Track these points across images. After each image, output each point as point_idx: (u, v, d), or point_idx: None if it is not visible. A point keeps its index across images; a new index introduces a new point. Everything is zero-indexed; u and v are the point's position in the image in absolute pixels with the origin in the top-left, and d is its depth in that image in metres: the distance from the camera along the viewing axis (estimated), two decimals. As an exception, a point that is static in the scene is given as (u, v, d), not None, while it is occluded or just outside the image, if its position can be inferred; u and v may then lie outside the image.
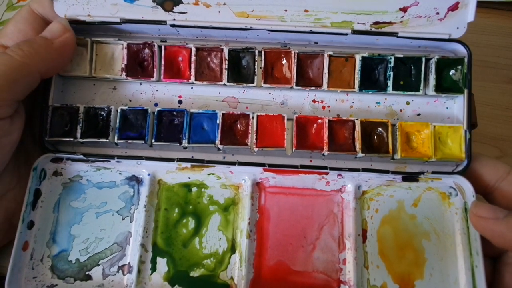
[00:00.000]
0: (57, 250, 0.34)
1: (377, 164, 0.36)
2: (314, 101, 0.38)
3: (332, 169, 0.35)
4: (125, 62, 0.36)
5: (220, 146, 0.35)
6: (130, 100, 0.38)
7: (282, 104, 0.38)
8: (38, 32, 0.35)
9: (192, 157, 0.36)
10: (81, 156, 0.35)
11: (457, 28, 0.35)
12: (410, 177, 0.36)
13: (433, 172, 0.35)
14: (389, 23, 0.36)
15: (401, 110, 0.38)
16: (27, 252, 0.34)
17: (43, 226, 0.35)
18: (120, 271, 0.34)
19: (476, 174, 0.35)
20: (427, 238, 0.35)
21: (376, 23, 0.36)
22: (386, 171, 0.35)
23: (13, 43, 0.34)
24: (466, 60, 0.35)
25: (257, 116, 0.36)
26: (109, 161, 0.36)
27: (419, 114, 0.38)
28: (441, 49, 0.37)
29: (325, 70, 0.36)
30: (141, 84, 0.38)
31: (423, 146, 0.35)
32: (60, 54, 0.34)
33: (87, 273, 0.34)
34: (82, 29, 0.37)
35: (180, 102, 0.38)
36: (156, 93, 0.38)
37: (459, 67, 0.36)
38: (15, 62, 0.31)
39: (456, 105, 0.37)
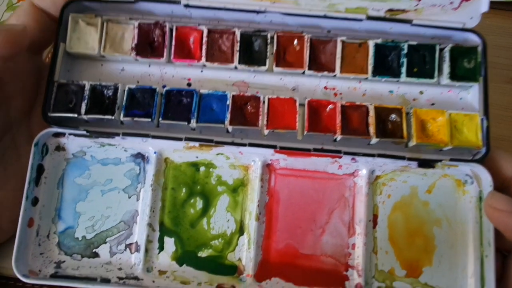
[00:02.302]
0: (63, 226, 0.37)
1: (390, 153, 0.38)
2: (325, 88, 0.40)
3: (346, 153, 0.37)
4: (135, 41, 0.38)
5: (230, 127, 0.37)
6: (138, 81, 0.39)
7: (293, 89, 0.40)
8: (41, 24, 0.37)
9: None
10: (84, 132, 0.37)
11: (471, 18, 0.38)
12: (426, 163, 0.38)
13: (451, 160, 0.37)
14: (403, 10, 0.38)
15: (414, 100, 0.40)
16: (33, 228, 0.36)
17: (47, 202, 0.37)
18: (128, 249, 0.37)
19: (493, 167, 0.37)
20: (438, 226, 0.38)
21: (391, 10, 0.38)
22: (403, 157, 0.37)
23: None
24: (479, 49, 0.38)
25: (268, 98, 0.37)
26: (114, 137, 0.37)
27: (433, 104, 0.40)
28: (452, 40, 0.39)
29: (338, 55, 0.38)
30: (149, 65, 0.39)
31: (439, 133, 0.37)
32: None
33: (94, 250, 0.36)
34: (94, 8, 0.38)
35: (189, 85, 0.39)
36: (165, 75, 0.39)
37: (473, 56, 0.38)
38: None
39: (470, 96, 0.40)
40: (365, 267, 0.37)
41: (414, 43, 0.39)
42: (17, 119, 0.38)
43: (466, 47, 0.39)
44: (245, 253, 0.37)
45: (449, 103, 0.40)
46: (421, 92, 0.40)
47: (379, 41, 0.39)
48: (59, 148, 0.39)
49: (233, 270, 0.37)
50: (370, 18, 0.38)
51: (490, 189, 0.37)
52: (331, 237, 0.38)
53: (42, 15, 0.37)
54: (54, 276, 0.36)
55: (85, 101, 0.37)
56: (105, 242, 0.37)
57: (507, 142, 0.42)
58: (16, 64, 0.37)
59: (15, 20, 0.37)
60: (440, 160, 0.38)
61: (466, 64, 0.39)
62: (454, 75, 0.38)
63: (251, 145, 0.38)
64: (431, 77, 0.38)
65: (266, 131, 0.37)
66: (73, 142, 0.38)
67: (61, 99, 0.37)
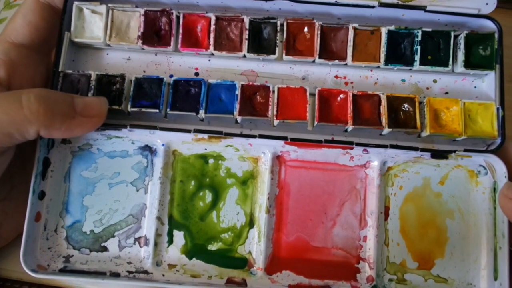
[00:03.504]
0: (71, 220, 0.37)
1: (403, 143, 0.38)
2: (336, 76, 0.39)
3: (358, 144, 0.37)
4: (141, 30, 0.37)
5: (239, 118, 0.36)
6: (144, 71, 0.39)
7: (303, 79, 0.39)
8: (48, 21, 0.36)
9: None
10: None
11: (486, 4, 0.37)
12: (439, 154, 0.37)
13: (465, 150, 0.37)
14: None
15: (427, 88, 0.39)
16: (40, 223, 0.36)
17: (55, 196, 0.37)
18: (137, 243, 0.36)
19: (507, 158, 0.37)
20: (451, 217, 0.37)
21: None
22: (416, 148, 0.37)
23: (24, 37, 0.35)
24: (496, 35, 0.37)
25: (278, 88, 0.37)
26: (121, 129, 0.37)
27: (446, 93, 0.39)
28: (467, 27, 0.39)
29: (350, 43, 0.37)
30: (156, 55, 0.39)
31: (453, 123, 0.37)
32: (70, 131, 0.33)
33: (102, 244, 0.36)
34: None
35: (196, 74, 0.39)
36: (172, 64, 0.39)
37: (488, 43, 0.37)
38: (19, 116, 0.30)
39: (485, 84, 0.39)
40: (377, 260, 0.37)
41: (428, 29, 0.38)
42: (10, 154, 0.36)
43: (482, 34, 0.38)
44: (255, 246, 0.37)
45: (463, 92, 0.40)
46: (435, 81, 0.40)
47: (392, 28, 0.38)
48: (65, 140, 0.38)
49: (243, 263, 0.37)
50: (382, 4, 0.38)
51: (505, 180, 0.36)
52: (342, 230, 0.38)
53: (48, 11, 0.37)
54: (63, 270, 0.36)
55: (91, 91, 0.36)
56: (114, 236, 0.37)
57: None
58: (27, 69, 0.36)
59: (20, 19, 0.36)
60: (454, 151, 0.38)
61: (481, 52, 0.38)
62: (469, 63, 0.38)
63: (261, 136, 0.37)
64: (446, 65, 0.38)
65: (276, 122, 0.37)
66: (79, 135, 0.38)
67: (67, 90, 0.37)
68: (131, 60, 0.39)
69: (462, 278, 0.37)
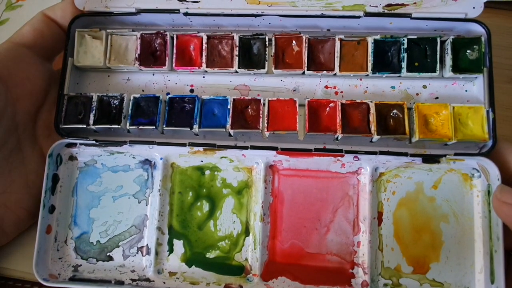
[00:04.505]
0: (79, 232, 0.39)
1: (394, 149, 0.39)
2: (326, 87, 0.41)
3: (348, 152, 0.38)
4: (138, 52, 0.40)
5: (231, 131, 0.38)
6: (143, 90, 0.41)
7: (294, 90, 0.41)
8: (53, 32, 0.40)
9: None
10: (93, 141, 0.39)
11: (473, 7, 0.38)
12: (431, 159, 0.38)
13: (456, 154, 0.38)
14: (402, 5, 0.38)
15: (417, 94, 0.40)
16: (51, 235, 0.39)
17: (64, 209, 0.40)
18: (139, 252, 0.39)
19: (500, 160, 0.37)
20: (445, 221, 0.38)
21: (389, 5, 0.38)
22: (405, 154, 0.37)
23: (28, 39, 0.39)
24: (483, 39, 0.38)
25: (268, 100, 0.38)
26: (122, 145, 0.39)
27: (437, 98, 0.40)
28: (455, 32, 0.39)
29: (337, 54, 0.39)
30: (153, 74, 0.42)
31: (443, 127, 0.37)
32: None
33: (108, 254, 0.39)
34: (99, 22, 0.41)
35: (191, 91, 0.41)
36: (168, 83, 0.42)
37: (476, 46, 0.38)
38: None
39: (476, 88, 0.39)
40: (371, 265, 0.37)
41: (413, 37, 0.39)
42: (23, 121, 0.40)
43: (469, 38, 0.38)
44: (251, 253, 0.39)
45: (454, 96, 0.40)
46: (425, 86, 0.41)
47: (378, 37, 0.39)
48: (72, 157, 0.41)
49: (240, 270, 0.39)
50: (368, 14, 0.39)
51: (498, 182, 0.36)
52: (336, 236, 0.39)
53: (54, 25, 0.40)
54: (72, 279, 0.39)
55: (93, 112, 0.39)
56: (118, 246, 0.39)
57: (509, 142, 0.42)
58: (28, 66, 0.39)
59: (29, 27, 0.40)
60: (445, 155, 0.38)
61: (469, 56, 0.39)
62: (457, 67, 0.38)
63: (252, 147, 0.39)
64: (433, 70, 0.39)
65: (267, 133, 0.39)
66: (85, 152, 0.41)
67: (71, 111, 0.40)
68: (130, 80, 0.42)
69: (459, 282, 0.37)
